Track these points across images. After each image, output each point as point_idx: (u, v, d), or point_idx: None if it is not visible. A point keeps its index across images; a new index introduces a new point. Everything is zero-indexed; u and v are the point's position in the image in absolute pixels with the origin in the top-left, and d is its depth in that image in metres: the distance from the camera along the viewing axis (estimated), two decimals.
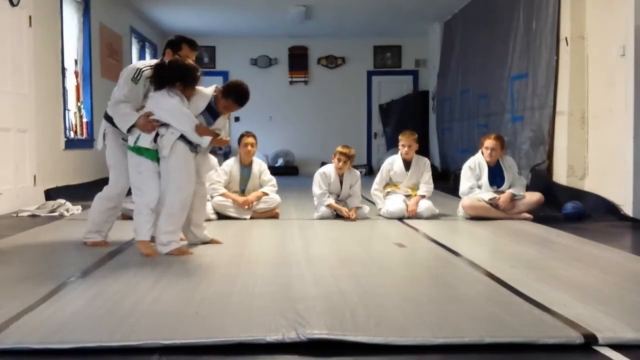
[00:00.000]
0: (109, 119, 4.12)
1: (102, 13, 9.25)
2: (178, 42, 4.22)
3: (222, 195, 5.67)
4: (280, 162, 13.39)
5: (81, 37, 8.65)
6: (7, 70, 6.10)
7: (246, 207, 5.67)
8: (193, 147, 3.93)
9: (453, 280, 3.35)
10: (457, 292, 3.08)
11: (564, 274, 3.42)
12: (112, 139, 4.13)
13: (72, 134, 8.10)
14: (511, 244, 4.50)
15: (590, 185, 6.42)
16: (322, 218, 5.70)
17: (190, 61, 4.10)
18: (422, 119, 12.70)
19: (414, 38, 13.29)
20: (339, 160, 5.74)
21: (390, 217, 5.75)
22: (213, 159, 5.63)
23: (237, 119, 12.77)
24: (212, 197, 5.64)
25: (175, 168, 3.86)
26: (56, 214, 5.98)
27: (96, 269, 3.49)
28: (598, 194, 6.18)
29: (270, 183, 5.86)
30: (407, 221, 5.59)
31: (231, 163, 5.83)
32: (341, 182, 5.84)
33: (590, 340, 2.27)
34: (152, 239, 3.95)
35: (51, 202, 6.30)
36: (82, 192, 7.38)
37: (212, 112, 4.06)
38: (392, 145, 11.86)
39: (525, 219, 5.64)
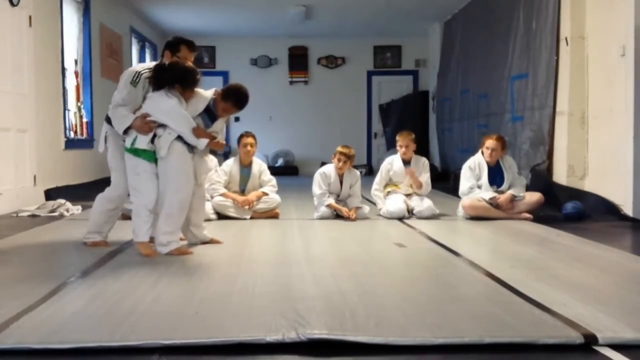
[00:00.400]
0: (110, 121, 4.12)
1: (102, 13, 9.26)
2: (176, 43, 4.22)
3: (222, 195, 5.67)
4: (280, 162, 13.39)
5: (81, 37, 8.66)
6: (7, 70, 6.10)
7: (246, 207, 5.67)
8: (190, 147, 3.93)
9: (453, 280, 3.35)
10: (457, 292, 3.08)
11: (564, 274, 3.42)
12: (113, 142, 4.14)
13: (72, 134, 8.10)
14: (511, 244, 4.50)
15: (590, 185, 6.42)
16: (322, 218, 5.70)
17: (190, 63, 4.10)
18: (422, 119, 12.70)
19: (414, 38, 13.29)
20: (339, 160, 5.75)
21: (391, 217, 5.75)
22: (213, 159, 5.66)
23: (237, 119, 12.77)
24: (212, 197, 5.64)
25: (174, 169, 3.86)
26: (56, 214, 5.98)
27: (96, 269, 3.49)
28: (598, 194, 6.18)
29: (270, 183, 5.86)
30: (407, 221, 5.60)
31: (231, 163, 5.83)
32: (341, 182, 5.84)
33: (590, 340, 2.27)
34: (152, 240, 3.95)
35: (51, 202, 6.30)
36: (82, 192, 7.39)
37: (210, 114, 4.07)
38: (392, 145, 11.85)
39: (525, 219, 5.64)
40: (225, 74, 13.62)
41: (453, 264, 3.78)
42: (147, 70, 4.07)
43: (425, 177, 5.99)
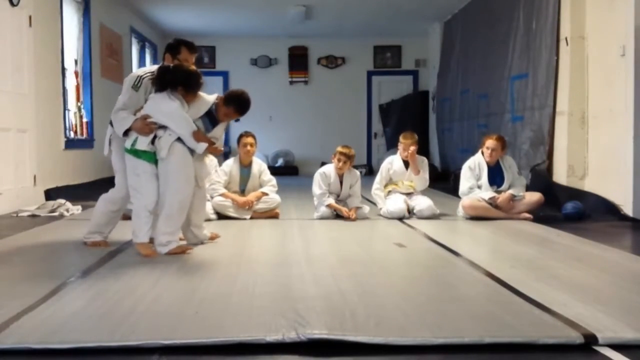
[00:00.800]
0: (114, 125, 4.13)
1: (102, 13, 9.26)
2: (177, 45, 4.22)
3: (221, 195, 5.67)
4: (280, 162, 13.39)
5: (81, 37, 8.66)
6: (7, 70, 6.10)
7: (246, 207, 5.67)
8: (190, 149, 3.93)
9: (453, 280, 3.35)
10: (457, 292, 3.08)
11: (564, 274, 3.42)
12: (117, 144, 4.14)
13: (72, 134, 8.10)
14: (511, 244, 4.50)
15: (590, 185, 6.42)
16: (322, 218, 5.70)
17: (193, 67, 4.11)
18: (422, 119, 12.70)
19: (414, 38, 13.29)
20: (339, 160, 5.75)
21: (391, 217, 5.75)
22: (213, 160, 5.66)
23: (237, 119, 12.75)
24: (212, 197, 5.64)
25: (174, 169, 3.86)
26: (56, 214, 5.98)
27: (96, 269, 3.49)
28: (598, 194, 6.18)
29: (270, 183, 5.86)
30: (407, 221, 5.60)
31: (231, 163, 5.83)
32: (341, 182, 5.84)
33: (590, 340, 2.27)
34: (151, 240, 3.95)
35: (51, 202, 6.30)
36: (82, 192, 7.39)
37: (211, 118, 4.09)
38: (392, 145, 11.86)
39: (525, 219, 5.64)
40: (225, 74, 13.62)
41: (453, 264, 3.78)
42: (149, 75, 4.09)
43: (424, 174, 6.00)
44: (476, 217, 5.66)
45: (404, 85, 13.90)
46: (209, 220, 5.38)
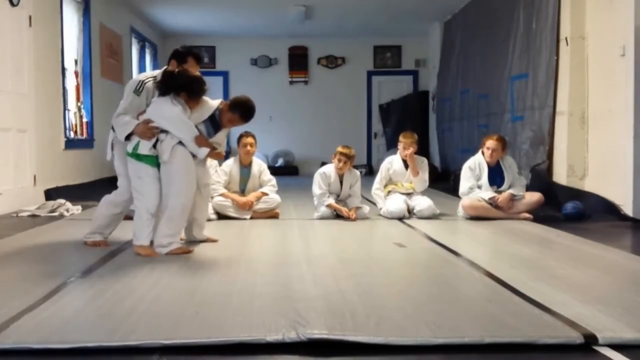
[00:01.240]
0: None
1: (102, 13, 9.26)
2: (184, 55, 4.21)
3: (221, 195, 5.67)
4: (280, 162, 13.39)
5: (81, 37, 8.66)
6: (7, 70, 6.10)
7: (246, 207, 5.67)
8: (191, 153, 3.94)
9: (453, 280, 3.35)
10: (457, 292, 3.08)
11: (564, 274, 3.42)
12: (119, 149, 4.15)
13: (72, 134, 8.10)
14: (511, 244, 4.50)
15: (590, 185, 6.41)
16: (322, 218, 5.70)
17: (191, 72, 4.11)
18: (422, 119, 12.70)
19: (414, 38, 13.29)
20: (339, 160, 5.75)
21: (391, 217, 5.75)
22: (213, 160, 5.66)
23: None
24: (212, 197, 5.63)
25: (177, 172, 3.86)
26: (56, 214, 5.98)
27: (96, 269, 3.49)
28: (598, 194, 6.18)
29: (270, 183, 5.86)
30: (407, 221, 5.60)
31: (231, 163, 5.83)
32: (341, 182, 5.84)
33: (590, 340, 2.27)
34: (152, 243, 3.96)
35: (51, 202, 6.30)
36: (82, 192, 7.39)
37: (214, 124, 4.10)
38: (392, 145, 11.85)
39: (525, 219, 5.65)
40: (225, 74, 13.62)
41: (453, 264, 3.78)
42: (150, 79, 4.10)
43: (424, 176, 6.00)
44: (476, 217, 5.66)
45: (404, 85, 13.90)
46: (209, 220, 5.38)
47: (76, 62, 8.51)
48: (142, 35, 11.74)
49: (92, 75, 8.75)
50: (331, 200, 5.74)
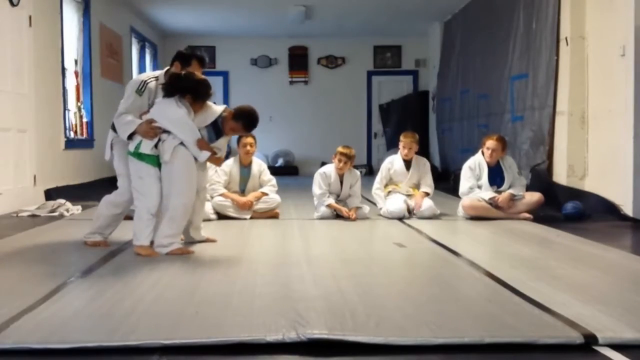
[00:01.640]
0: (115, 129, 4.12)
1: (102, 13, 9.26)
2: (189, 57, 4.20)
3: (221, 195, 5.67)
4: (280, 162, 13.39)
5: (81, 37, 8.66)
6: (7, 70, 6.10)
7: (246, 208, 5.66)
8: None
9: (453, 280, 3.35)
10: (457, 292, 3.09)
11: (564, 274, 3.42)
12: (119, 148, 4.14)
13: (72, 134, 8.10)
14: (511, 244, 4.50)
15: (590, 185, 6.41)
16: (322, 218, 5.70)
17: (197, 75, 4.11)
18: (422, 119, 12.69)
19: (414, 38, 13.29)
20: (339, 160, 5.74)
21: (391, 217, 5.75)
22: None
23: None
24: (211, 197, 5.64)
25: (178, 173, 3.87)
26: (56, 214, 5.98)
27: (96, 269, 3.49)
28: (598, 194, 6.18)
29: (270, 183, 5.86)
30: (407, 221, 5.59)
31: (231, 163, 5.83)
32: (341, 182, 5.84)
33: (590, 340, 2.27)
34: (152, 243, 3.95)
35: (51, 202, 6.29)
36: (82, 192, 7.39)
37: (216, 130, 4.11)
38: (392, 145, 11.85)
39: (525, 219, 5.65)
40: (225, 74, 13.62)
41: (453, 264, 3.78)
42: (152, 79, 4.10)
43: (429, 180, 6.00)
44: (476, 217, 5.66)
45: (404, 85, 13.90)
46: (209, 220, 5.38)
47: (76, 62, 8.51)
48: (142, 35, 11.74)
49: (92, 75, 8.75)
50: (331, 200, 5.73)
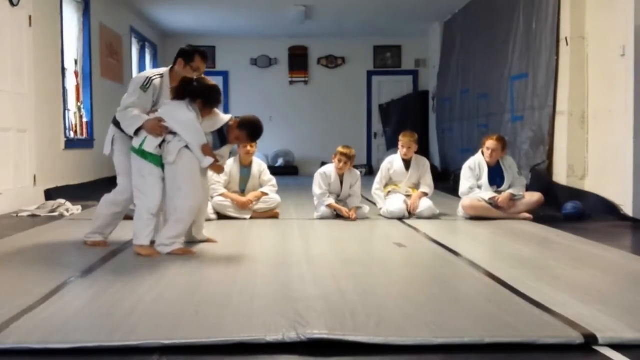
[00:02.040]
0: (117, 124, 4.11)
1: (102, 13, 9.26)
2: (191, 53, 4.19)
3: (221, 195, 5.67)
4: (280, 162, 13.39)
5: (81, 37, 8.66)
6: (7, 70, 6.10)
7: (248, 205, 5.66)
8: None
9: (453, 280, 3.35)
10: (457, 292, 3.09)
11: (564, 274, 3.42)
12: (120, 145, 4.13)
13: (72, 134, 8.10)
14: (511, 244, 4.50)
15: (590, 185, 6.42)
16: (322, 218, 5.70)
17: (213, 82, 4.12)
18: (422, 119, 12.70)
19: (414, 38, 13.29)
20: (339, 160, 5.74)
21: (391, 217, 5.75)
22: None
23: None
24: (212, 197, 5.64)
25: (184, 175, 3.87)
26: (56, 214, 5.98)
27: (96, 269, 3.49)
28: (598, 194, 6.18)
29: (270, 183, 5.86)
30: (407, 221, 5.59)
31: (231, 163, 5.82)
32: (341, 182, 5.84)
33: (590, 340, 2.27)
34: (152, 243, 3.95)
35: (51, 202, 6.30)
36: (82, 192, 7.39)
37: (221, 137, 4.13)
38: (392, 145, 11.85)
39: (525, 219, 5.65)
40: (225, 74, 13.62)
41: (453, 264, 3.78)
42: (157, 77, 4.10)
43: (429, 179, 6.00)
44: (476, 217, 5.66)
45: (404, 85, 13.90)
46: (209, 220, 5.38)
47: (76, 62, 8.51)
48: (142, 35, 11.74)
49: (92, 75, 8.75)
50: (331, 200, 5.73)
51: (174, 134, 3.87)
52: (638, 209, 5.62)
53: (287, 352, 2.21)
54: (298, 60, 13.82)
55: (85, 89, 8.62)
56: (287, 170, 12.86)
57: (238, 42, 13.49)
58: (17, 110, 6.29)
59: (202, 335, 2.29)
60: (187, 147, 3.87)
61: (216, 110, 4.13)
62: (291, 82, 13.87)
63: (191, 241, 4.22)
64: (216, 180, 5.68)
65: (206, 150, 3.91)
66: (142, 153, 3.87)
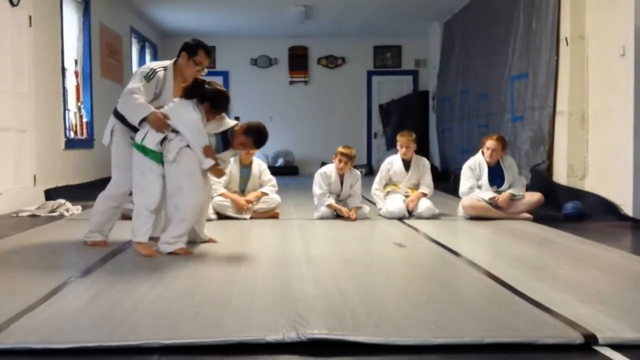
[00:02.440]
0: (118, 116, 4.10)
1: (102, 13, 9.26)
2: (195, 47, 4.19)
3: (221, 195, 5.67)
4: (280, 162, 13.39)
5: (81, 37, 8.66)
6: (7, 70, 6.10)
7: (246, 208, 5.66)
8: None
9: (453, 280, 3.35)
10: (457, 292, 3.09)
11: (564, 274, 3.42)
12: (120, 137, 4.11)
13: (72, 134, 8.10)
14: (511, 244, 4.50)
15: (590, 185, 6.42)
16: (322, 218, 5.70)
17: (223, 88, 4.13)
18: (422, 119, 12.70)
19: (414, 38, 13.29)
20: (340, 161, 5.74)
21: (391, 217, 5.75)
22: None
23: (237, 119, 12.77)
24: (212, 197, 5.64)
25: (186, 174, 3.86)
26: (56, 214, 5.98)
27: (96, 269, 3.49)
28: (598, 194, 6.18)
29: (270, 183, 5.86)
30: (407, 221, 5.59)
31: (231, 163, 5.82)
32: (342, 182, 5.84)
33: (590, 340, 2.27)
34: (152, 239, 3.95)
35: (51, 202, 6.29)
36: (82, 192, 7.39)
37: (225, 141, 4.14)
38: (392, 146, 11.85)
39: (525, 219, 5.65)
40: (225, 74, 13.62)
41: (453, 264, 3.78)
42: (161, 69, 4.09)
43: (428, 179, 5.99)
44: (476, 217, 5.66)
45: (404, 85, 13.90)
46: (209, 220, 5.38)
47: (76, 62, 8.51)
48: (142, 35, 11.74)
49: (92, 75, 8.75)
50: (331, 200, 5.73)
51: (176, 132, 3.87)
52: (638, 209, 5.62)
53: (287, 352, 2.21)
54: (298, 60, 13.82)
55: (85, 89, 8.62)
56: (287, 170, 12.86)
57: (238, 42, 13.49)
58: (17, 110, 6.29)
59: (202, 335, 2.29)
60: (188, 146, 3.87)
61: (223, 115, 4.14)
62: (291, 82, 13.87)
63: (193, 241, 4.22)
64: (216, 180, 5.68)
65: (208, 151, 3.89)
66: (143, 149, 3.86)
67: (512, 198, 5.74)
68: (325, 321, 2.42)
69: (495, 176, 5.87)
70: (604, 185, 6.18)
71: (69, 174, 7.72)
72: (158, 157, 3.88)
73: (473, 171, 5.88)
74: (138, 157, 3.89)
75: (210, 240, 4.33)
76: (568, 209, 5.84)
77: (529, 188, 6.20)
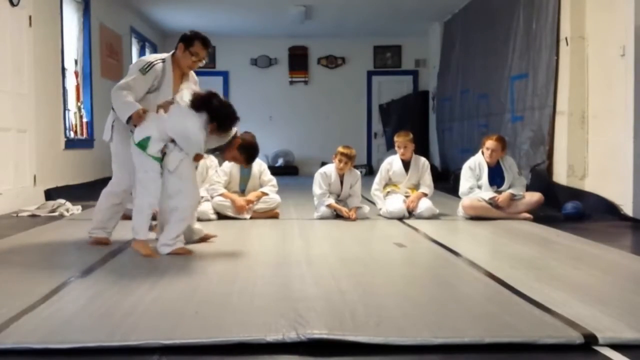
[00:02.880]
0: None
1: (102, 13, 9.26)
2: (191, 38, 4.18)
3: (221, 195, 5.67)
4: (280, 162, 13.39)
5: (81, 37, 8.66)
6: (7, 70, 6.10)
7: (246, 208, 5.66)
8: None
9: (453, 280, 3.35)
10: (457, 292, 3.08)
11: (564, 274, 3.42)
12: (120, 132, 4.11)
13: (72, 134, 8.10)
14: (511, 244, 4.50)
15: (590, 185, 6.42)
16: (322, 218, 5.70)
17: (224, 98, 4.08)
18: (422, 119, 12.70)
19: (414, 38, 13.29)
20: (340, 161, 5.74)
21: (390, 217, 5.75)
22: (213, 160, 5.67)
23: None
24: (212, 197, 5.64)
25: (186, 181, 3.89)
26: (56, 214, 5.98)
27: (96, 269, 3.49)
28: (598, 194, 6.18)
29: (271, 183, 5.86)
30: (407, 221, 5.59)
31: (231, 163, 5.82)
32: (342, 182, 5.84)
33: (590, 340, 2.27)
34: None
35: (51, 202, 6.30)
36: (82, 192, 7.39)
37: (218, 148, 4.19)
38: (392, 146, 11.80)
39: (525, 219, 5.65)
40: (225, 74, 13.62)
41: (453, 264, 3.78)
42: (159, 61, 4.08)
43: (428, 180, 5.99)
44: (476, 217, 5.66)
45: (404, 85, 13.90)
46: (209, 220, 5.39)
47: (76, 62, 8.51)
48: (142, 35, 11.74)
49: (92, 75, 8.75)
50: (331, 200, 5.73)
51: (174, 142, 3.87)
52: (638, 209, 5.62)
53: (287, 352, 2.21)
54: (298, 60, 13.81)
55: (85, 89, 8.62)
56: (287, 170, 12.86)
57: (238, 42, 13.48)
58: (17, 110, 6.29)
59: (202, 335, 2.29)
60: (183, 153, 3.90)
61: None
62: (291, 82, 13.87)
63: (188, 242, 4.22)
64: (216, 181, 5.69)
65: (197, 158, 3.98)
66: (143, 148, 3.86)
67: (512, 198, 5.74)
68: (325, 321, 2.42)
69: (495, 176, 5.87)
70: (604, 185, 6.18)
71: (69, 174, 7.72)
72: (158, 159, 3.88)
73: (473, 171, 5.88)
74: (139, 156, 3.89)
75: (207, 236, 4.33)
76: (568, 209, 5.84)
77: (529, 188, 6.20)
